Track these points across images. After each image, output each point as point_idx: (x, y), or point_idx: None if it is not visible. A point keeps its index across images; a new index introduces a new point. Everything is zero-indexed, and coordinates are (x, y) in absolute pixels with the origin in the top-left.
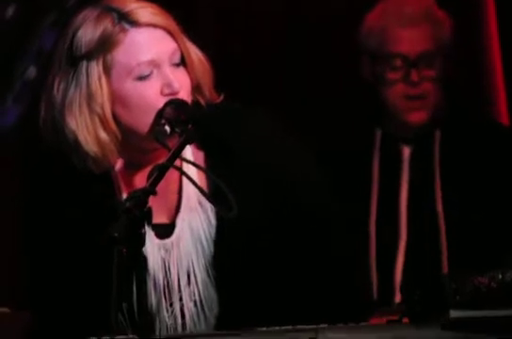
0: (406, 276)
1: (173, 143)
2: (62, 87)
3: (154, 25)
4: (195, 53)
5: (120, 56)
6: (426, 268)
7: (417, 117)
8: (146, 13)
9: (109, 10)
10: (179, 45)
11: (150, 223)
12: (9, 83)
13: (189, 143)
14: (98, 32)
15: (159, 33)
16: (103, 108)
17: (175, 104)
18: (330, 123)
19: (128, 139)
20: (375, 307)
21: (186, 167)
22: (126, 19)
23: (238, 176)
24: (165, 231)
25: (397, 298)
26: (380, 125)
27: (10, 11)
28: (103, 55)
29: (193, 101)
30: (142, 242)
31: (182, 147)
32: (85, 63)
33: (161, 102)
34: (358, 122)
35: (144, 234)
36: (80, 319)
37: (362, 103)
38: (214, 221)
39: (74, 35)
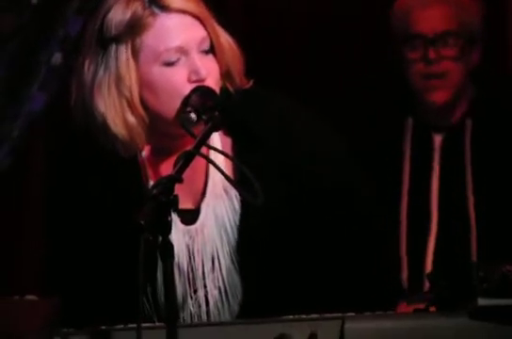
0: (435, 264)
1: (199, 130)
2: (92, 68)
3: (184, 11)
4: (225, 39)
5: (148, 40)
6: (455, 257)
7: (438, 96)
8: None
9: None
10: (208, 32)
11: (176, 210)
12: (35, 69)
13: (215, 130)
14: (128, 14)
15: (189, 19)
16: (130, 92)
17: (201, 91)
18: (361, 111)
19: (156, 124)
20: (403, 295)
21: (214, 154)
22: (157, 3)
23: (265, 162)
24: (189, 217)
25: (426, 287)
26: (412, 113)
27: None
28: (132, 38)
29: (222, 87)
30: (169, 229)
31: (208, 134)
32: (114, 45)
33: (187, 88)
34: (389, 110)
35: (170, 221)
36: (107, 306)
37: (394, 91)
38: (238, 208)
39: (105, 16)
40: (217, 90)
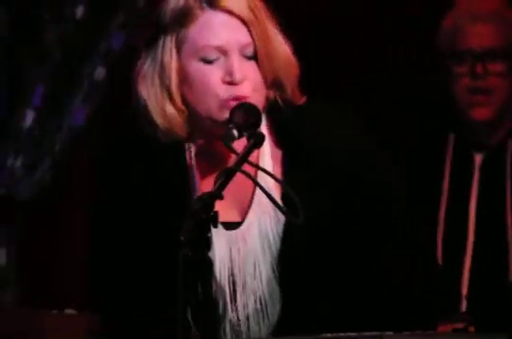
0: (472, 284)
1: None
2: (143, 56)
3: (231, 12)
4: (281, 47)
5: (192, 33)
6: (493, 277)
7: (480, 112)
8: None
9: None
10: (253, 39)
11: (216, 227)
12: (78, 83)
13: (257, 147)
14: (181, 3)
15: (234, 21)
16: (170, 82)
17: (244, 107)
18: (404, 126)
19: (195, 119)
20: (442, 315)
21: (264, 165)
22: None
23: (313, 176)
24: (234, 227)
25: (463, 306)
26: (454, 130)
27: (80, 12)
28: (178, 28)
29: (270, 98)
30: (208, 246)
31: (249, 151)
32: (162, 35)
33: (221, 88)
34: (432, 126)
35: (210, 238)
36: (146, 321)
37: (438, 106)
38: (282, 219)
39: (163, 6)
40: (257, 98)
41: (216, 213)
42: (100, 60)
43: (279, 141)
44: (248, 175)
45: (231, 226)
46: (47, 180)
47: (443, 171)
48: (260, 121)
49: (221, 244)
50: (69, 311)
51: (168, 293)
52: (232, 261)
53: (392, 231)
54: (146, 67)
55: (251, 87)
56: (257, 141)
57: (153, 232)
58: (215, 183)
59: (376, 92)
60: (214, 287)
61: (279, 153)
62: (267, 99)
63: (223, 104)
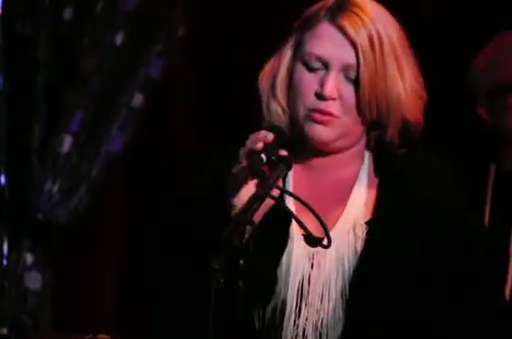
0: None
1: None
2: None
3: (346, 33)
4: (397, 88)
5: (305, 38)
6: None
7: None
8: (350, 18)
9: None
10: (359, 63)
11: (249, 254)
12: (115, 110)
13: (286, 172)
14: (317, 6)
15: (343, 41)
16: (276, 81)
17: (274, 130)
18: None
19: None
20: None
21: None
22: (334, 11)
23: (401, 209)
24: (313, 240)
25: None
26: (495, 161)
27: (119, 39)
28: (299, 32)
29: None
30: (240, 274)
31: (278, 176)
32: (289, 35)
33: (311, 98)
34: (473, 157)
35: (242, 265)
36: None
37: (479, 139)
38: (360, 249)
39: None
40: (344, 122)
41: (249, 240)
42: (138, 87)
43: (377, 170)
44: (276, 200)
45: (310, 240)
46: (83, 205)
47: (485, 201)
48: (289, 145)
49: (298, 256)
50: (102, 336)
51: (200, 319)
52: (303, 276)
53: (467, 271)
54: (270, 63)
55: (341, 107)
56: (286, 166)
57: (188, 258)
58: (245, 209)
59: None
60: (281, 294)
61: (375, 180)
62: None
63: (308, 114)
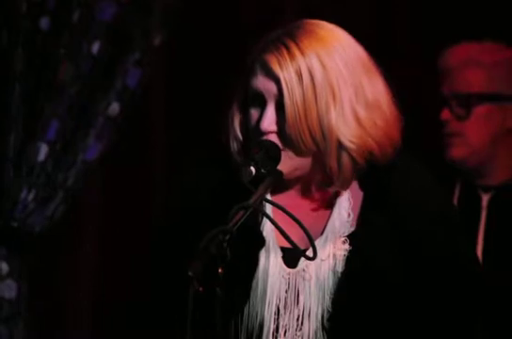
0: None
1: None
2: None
3: (269, 68)
4: (335, 111)
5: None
6: (501, 317)
7: (453, 153)
8: (278, 52)
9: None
10: (284, 96)
11: (226, 264)
12: (92, 119)
13: (275, 185)
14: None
15: (270, 76)
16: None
17: (263, 145)
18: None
19: None
20: None
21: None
22: (265, 44)
23: (385, 225)
24: (294, 257)
25: None
26: (460, 173)
27: (96, 48)
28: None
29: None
30: (218, 282)
31: (267, 188)
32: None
33: (256, 134)
34: (440, 171)
35: (221, 274)
36: None
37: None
38: (340, 266)
39: None
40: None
41: (226, 249)
42: (114, 96)
43: (363, 183)
44: (263, 213)
45: (291, 253)
46: (59, 214)
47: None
48: (279, 158)
49: (275, 276)
50: None
51: (179, 325)
52: (279, 298)
53: (452, 292)
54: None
55: (282, 139)
56: (275, 178)
57: (166, 264)
58: (229, 218)
59: None
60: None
61: (360, 194)
62: None
63: None
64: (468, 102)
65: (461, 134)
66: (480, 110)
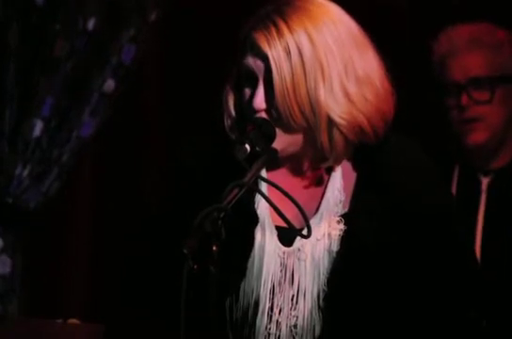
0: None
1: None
2: None
3: (258, 45)
4: (323, 87)
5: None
6: (497, 300)
7: (474, 138)
8: (267, 30)
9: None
10: (273, 73)
11: (220, 241)
12: (87, 95)
13: (270, 163)
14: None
15: (259, 54)
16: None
17: (257, 123)
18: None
19: None
20: None
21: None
22: (254, 22)
23: (379, 205)
24: (291, 236)
25: None
26: (459, 158)
27: (91, 24)
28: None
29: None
30: (212, 260)
31: (262, 166)
32: None
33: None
34: (437, 153)
35: (215, 252)
36: (150, 331)
37: (441, 136)
38: (335, 245)
39: None
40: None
41: (221, 227)
42: (109, 73)
43: (356, 164)
44: (258, 191)
45: (287, 233)
46: (54, 190)
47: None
48: (274, 136)
49: (270, 254)
50: (72, 320)
51: (173, 303)
52: (274, 276)
53: (447, 272)
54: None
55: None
56: (269, 156)
57: (160, 242)
58: (224, 195)
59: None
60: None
61: (353, 175)
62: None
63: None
64: (491, 85)
65: (482, 118)
66: (500, 93)
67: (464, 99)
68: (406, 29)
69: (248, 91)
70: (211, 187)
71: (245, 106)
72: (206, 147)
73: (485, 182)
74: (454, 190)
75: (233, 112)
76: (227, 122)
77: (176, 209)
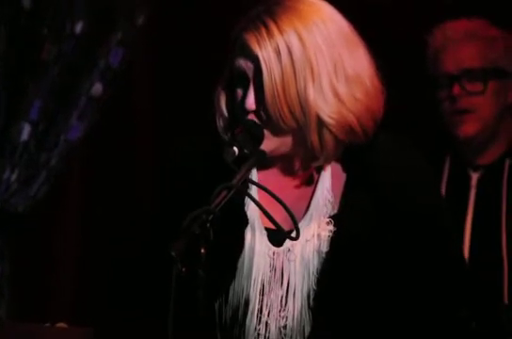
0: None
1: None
2: None
3: (248, 47)
4: (313, 87)
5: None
6: (486, 298)
7: (465, 129)
8: (257, 30)
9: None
10: (263, 74)
11: (209, 244)
12: (75, 99)
13: (258, 165)
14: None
15: (250, 55)
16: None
17: (246, 125)
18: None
19: None
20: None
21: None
22: (245, 23)
23: (369, 206)
24: (280, 238)
25: None
26: (449, 151)
27: (79, 28)
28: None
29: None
30: (201, 262)
31: (250, 168)
32: None
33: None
34: (427, 149)
35: (203, 254)
36: (139, 333)
37: (431, 129)
38: (325, 246)
39: None
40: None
41: (210, 229)
42: (97, 76)
43: (345, 164)
44: (246, 194)
45: (276, 235)
46: (42, 194)
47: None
48: (262, 138)
49: (260, 254)
50: (61, 324)
51: (161, 304)
52: (264, 276)
53: (436, 270)
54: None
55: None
56: (258, 159)
57: (149, 243)
58: (213, 198)
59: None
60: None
61: (343, 176)
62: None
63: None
64: (484, 77)
65: (473, 110)
66: (492, 86)
67: (456, 89)
68: (397, 27)
69: (239, 92)
70: (203, 188)
71: (237, 107)
72: (199, 147)
73: (474, 177)
74: (444, 185)
75: (226, 113)
76: (219, 123)
77: (166, 210)
